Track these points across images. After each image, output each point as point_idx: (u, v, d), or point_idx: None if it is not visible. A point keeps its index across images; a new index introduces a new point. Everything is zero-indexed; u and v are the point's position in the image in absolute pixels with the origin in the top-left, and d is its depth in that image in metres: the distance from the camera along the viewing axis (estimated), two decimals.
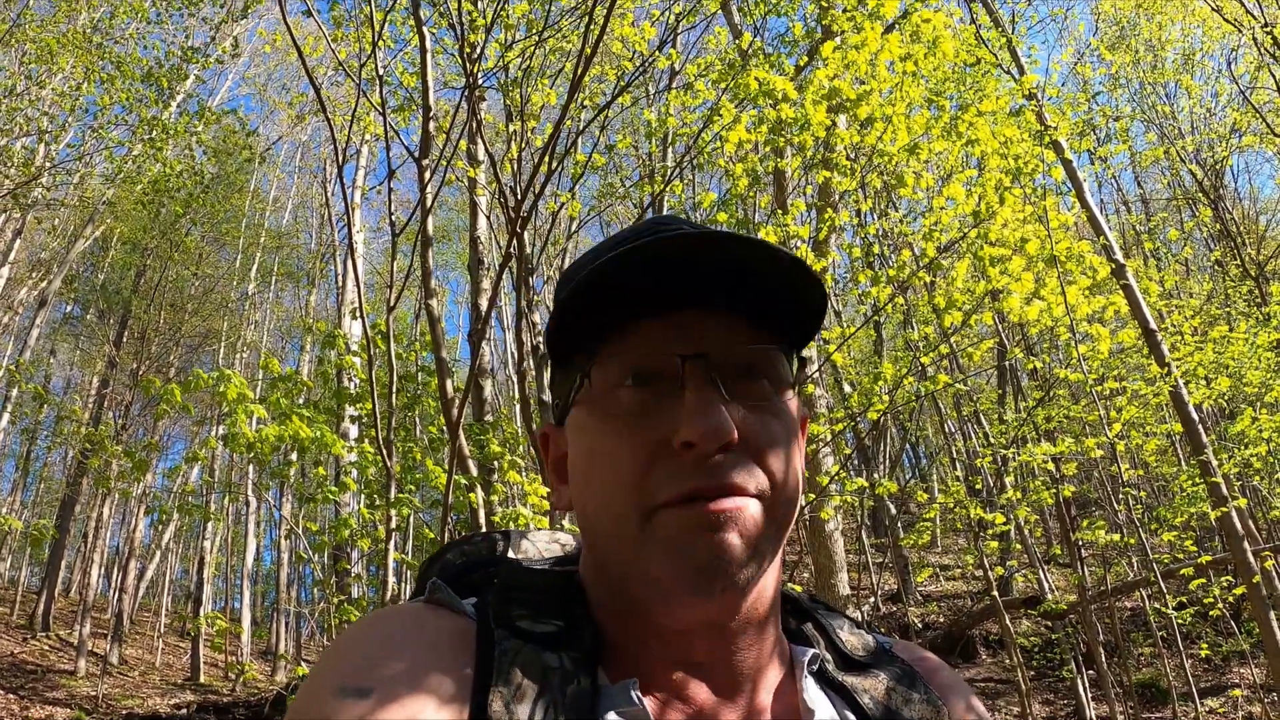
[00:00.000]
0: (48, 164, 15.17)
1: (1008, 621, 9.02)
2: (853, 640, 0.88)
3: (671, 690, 0.75)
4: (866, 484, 6.57)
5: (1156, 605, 8.73)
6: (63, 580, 23.76)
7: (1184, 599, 9.67)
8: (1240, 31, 11.07)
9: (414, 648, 0.71)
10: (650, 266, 0.73)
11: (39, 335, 20.43)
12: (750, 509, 0.73)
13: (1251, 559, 7.93)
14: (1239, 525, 8.09)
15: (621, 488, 0.73)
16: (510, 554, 0.91)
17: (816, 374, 7.35)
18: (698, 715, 0.75)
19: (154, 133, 12.44)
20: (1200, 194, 17.84)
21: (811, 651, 0.84)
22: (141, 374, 18.84)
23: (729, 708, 0.76)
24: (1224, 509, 7.93)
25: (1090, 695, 10.45)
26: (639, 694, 0.71)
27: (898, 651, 0.91)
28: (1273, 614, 7.85)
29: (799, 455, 0.80)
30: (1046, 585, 12.54)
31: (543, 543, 0.95)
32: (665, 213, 9.26)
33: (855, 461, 17.26)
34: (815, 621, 0.90)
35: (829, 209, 6.40)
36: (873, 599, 14.68)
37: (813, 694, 0.80)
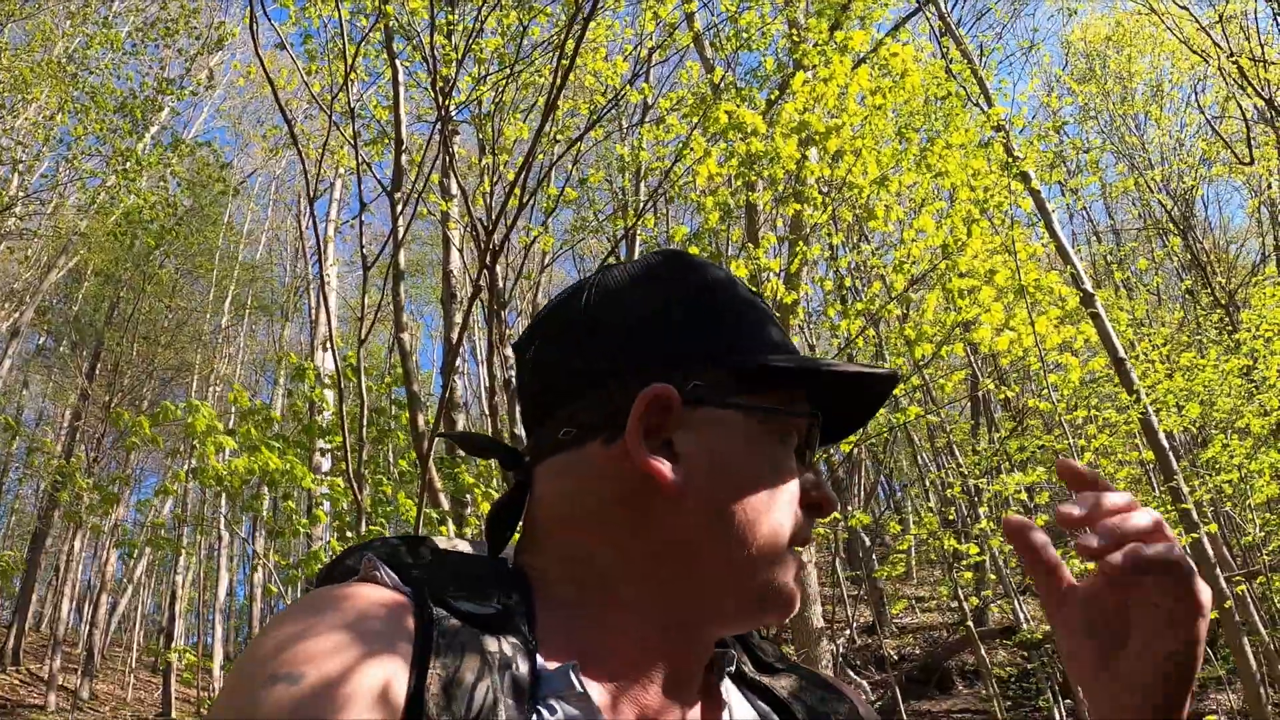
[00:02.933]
0: (21, 194, 15.09)
1: (983, 652, 9.03)
2: (765, 646, 0.93)
3: (610, 675, 0.76)
4: (840, 516, 6.58)
5: None
6: (34, 614, 23.45)
7: None
8: (1207, 62, 11.22)
9: (348, 627, 0.67)
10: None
11: (11, 366, 20.25)
12: None
13: (1224, 585, 7.97)
14: (1211, 551, 8.13)
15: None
16: (409, 560, 0.86)
17: None
18: (635, 700, 0.76)
19: (128, 164, 12.37)
20: (1170, 224, 18.02)
21: (728, 652, 0.87)
22: (114, 406, 18.69)
23: (661, 697, 0.78)
24: (1195, 535, 7.96)
25: None
26: (580, 677, 0.71)
27: (801, 664, 0.96)
28: (1247, 640, 7.89)
29: None
30: (1022, 615, 12.53)
31: (439, 549, 0.90)
32: (639, 246, 9.30)
33: None
34: None
35: (800, 242, 6.43)
36: (848, 631, 14.64)
37: (730, 691, 0.85)
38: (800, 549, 0.83)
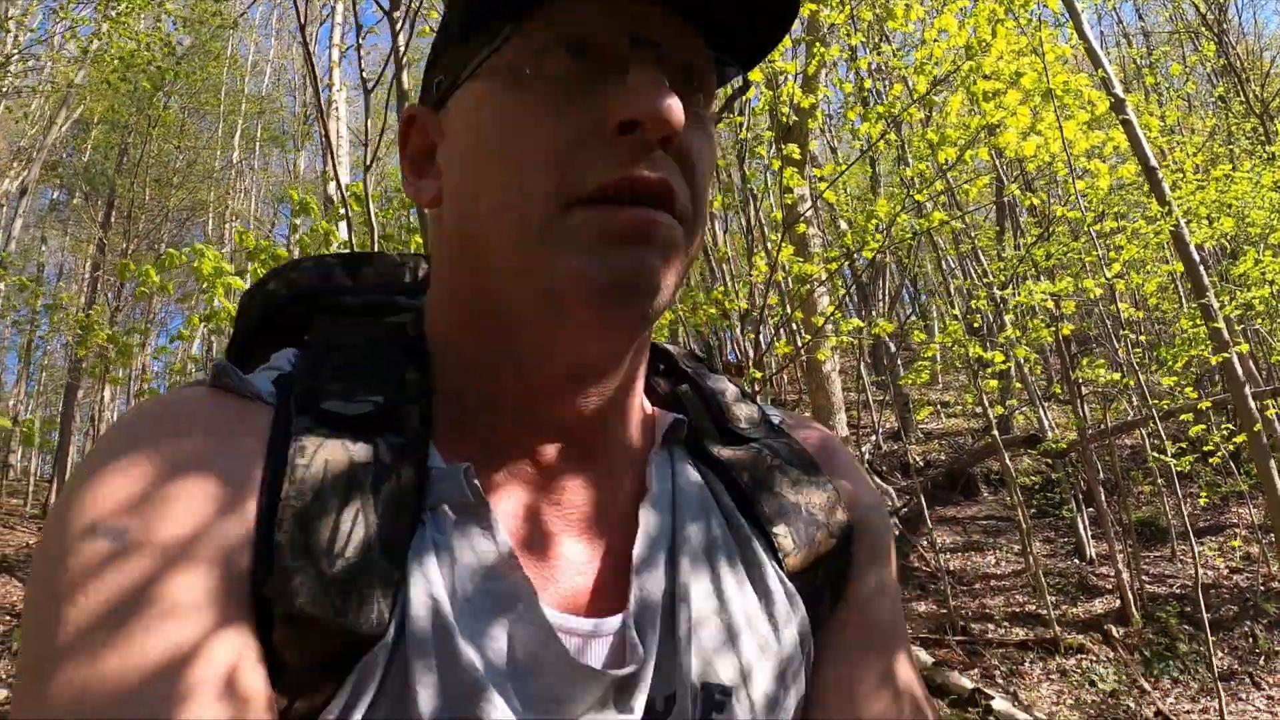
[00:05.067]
0: (14, 51, 14.77)
1: (1008, 460, 9.06)
2: (736, 409, 0.76)
3: (514, 470, 0.65)
4: (862, 324, 6.49)
5: (1156, 452, 8.71)
6: (71, 466, 23.99)
7: (1183, 444, 9.68)
8: None
9: (186, 455, 0.55)
10: None
11: (24, 224, 20.18)
12: (676, 230, 0.61)
13: (1252, 404, 7.83)
14: (1240, 370, 7.99)
15: (536, 167, 0.60)
16: (347, 282, 0.77)
17: (810, 213, 7.19)
18: (542, 498, 0.65)
19: (121, 5, 12.00)
20: (1203, 27, 17.32)
21: (674, 417, 0.72)
22: (131, 253, 18.71)
23: (579, 487, 0.66)
24: (1225, 355, 7.82)
25: (1090, 533, 10.57)
26: (475, 481, 0.59)
27: (787, 427, 0.79)
28: (1272, 460, 7.82)
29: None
30: (1046, 423, 12.57)
31: (388, 268, 0.80)
32: None
33: (854, 300, 17.18)
34: (694, 384, 0.78)
35: (818, 43, 6.17)
36: (874, 437, 14.75)
37: (660, 467, 0.70)
38: (608, 203, 0.59)
